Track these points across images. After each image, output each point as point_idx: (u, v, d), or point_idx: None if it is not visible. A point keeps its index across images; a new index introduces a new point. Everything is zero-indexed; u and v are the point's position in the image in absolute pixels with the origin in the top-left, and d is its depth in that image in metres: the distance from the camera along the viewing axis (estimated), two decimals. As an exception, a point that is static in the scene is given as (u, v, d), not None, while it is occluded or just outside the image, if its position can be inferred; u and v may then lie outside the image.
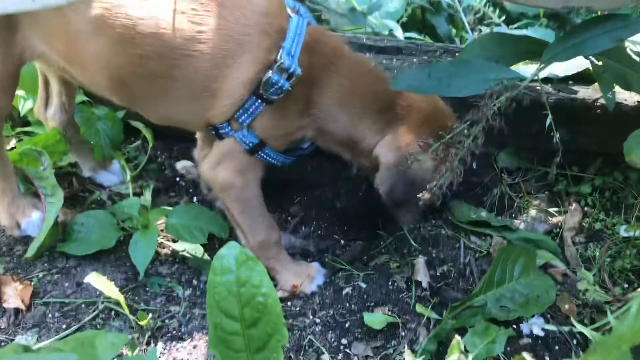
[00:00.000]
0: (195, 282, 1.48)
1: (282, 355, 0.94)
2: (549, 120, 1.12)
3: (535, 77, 1.16)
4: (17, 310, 1.33)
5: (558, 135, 1.13)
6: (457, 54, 1.75)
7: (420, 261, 1.47)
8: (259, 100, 1.26)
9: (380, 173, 1.35)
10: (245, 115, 1.28)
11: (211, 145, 1.45)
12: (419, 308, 1.35)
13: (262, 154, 1.35)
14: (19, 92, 1.69)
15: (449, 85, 1.17)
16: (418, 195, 1.22)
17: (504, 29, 2.46)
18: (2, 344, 1.27)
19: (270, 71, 1.22)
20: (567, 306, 1.37)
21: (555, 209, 1.62)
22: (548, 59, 1.19)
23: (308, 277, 1.44)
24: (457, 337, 1.22)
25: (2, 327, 1.30)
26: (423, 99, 1.34)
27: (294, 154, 1.44)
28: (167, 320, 1.35)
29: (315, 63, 1.30)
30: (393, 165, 1.32)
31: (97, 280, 1.25)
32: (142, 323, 1.29)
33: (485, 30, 2.53)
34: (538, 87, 1.58)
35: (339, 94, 1.33)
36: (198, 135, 1.61)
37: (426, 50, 1.81)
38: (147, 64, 1.22)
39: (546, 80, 1.67)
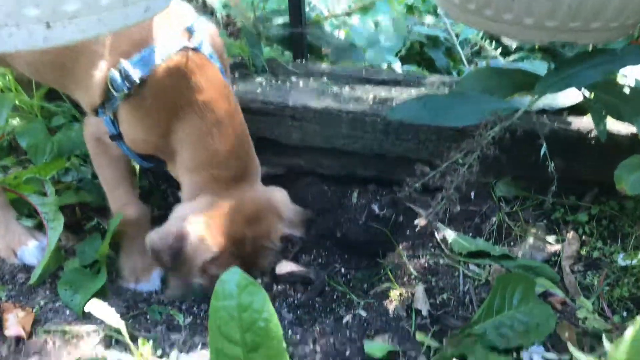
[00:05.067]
0: (195, 310, 1.48)
1: (283, 381, 0.95)
2: (543, 149, 1.15)
3: (530, 109, 1.19)
4: (18, 338, 1.33)
5: (553, 165, 1.16)
6: (454, 86, 1.79)
7: (419, 289, 1.47)
8: None
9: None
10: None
11: None
12: (419, 336, 1.35)
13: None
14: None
15: (445, 115, 1.20)
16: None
17: (500, 61, 2.51)
18: (3, 372, 1.27)
19: None
20: (566, 334, 1.37)
21: (553, 237, 1.63)
22: (540, 90, 1.23)
23: None
24: (457, 365, 1.22)
25: (3, 354, 1.30)
26: None
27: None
28: (167, 348, 1.35)
29: None
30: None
31: (98, 307, 1.26)
32: (143, 351, 1.29)
33: (482, 62, 2.59)
34: (534, 119, 1.62)
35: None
36: None
37: (424, 83, 1.86)
38: None
39: (543, 111, 1.70)
